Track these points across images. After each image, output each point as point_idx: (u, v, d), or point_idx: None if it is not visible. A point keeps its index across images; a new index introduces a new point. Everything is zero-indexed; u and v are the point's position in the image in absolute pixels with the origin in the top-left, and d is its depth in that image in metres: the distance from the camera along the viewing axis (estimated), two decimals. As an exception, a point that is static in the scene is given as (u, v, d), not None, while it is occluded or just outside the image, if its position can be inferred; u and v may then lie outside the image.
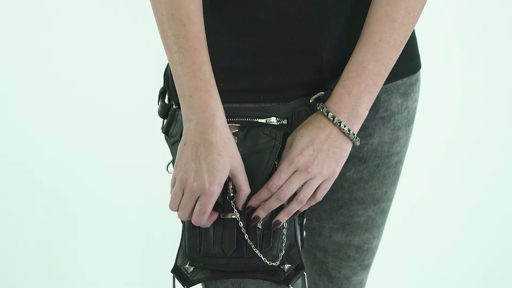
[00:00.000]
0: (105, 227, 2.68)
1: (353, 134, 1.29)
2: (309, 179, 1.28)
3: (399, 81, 1.43)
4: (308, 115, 1.33)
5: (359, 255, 1.56)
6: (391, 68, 1.31)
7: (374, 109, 1.41)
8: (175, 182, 1.29)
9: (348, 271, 1.58)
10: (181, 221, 1.42)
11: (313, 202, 1.32)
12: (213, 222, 1.29)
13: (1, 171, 2.66)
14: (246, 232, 1.29)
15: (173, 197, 1.30)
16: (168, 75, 1.45)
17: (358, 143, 1.31)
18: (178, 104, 1.40)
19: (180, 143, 1.28)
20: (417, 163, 2.19)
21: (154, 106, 1.51)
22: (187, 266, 1.33)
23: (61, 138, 2.63)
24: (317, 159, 1.27)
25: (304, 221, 1.44)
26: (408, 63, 1.44)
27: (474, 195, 2.75)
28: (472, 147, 2.72)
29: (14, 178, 2.65)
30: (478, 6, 2.64)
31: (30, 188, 2.65)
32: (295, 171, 1.28)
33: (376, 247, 1.59)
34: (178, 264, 1.34)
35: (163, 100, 1.45)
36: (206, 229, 1.30)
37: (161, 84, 1.47)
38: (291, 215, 1.30)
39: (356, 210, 1.50)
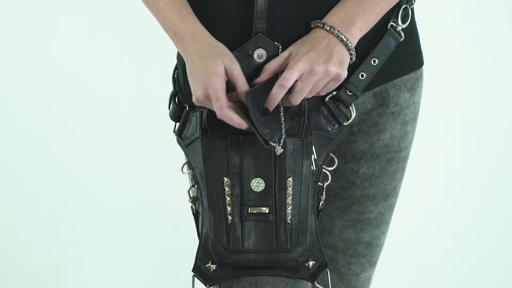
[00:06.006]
0: (113, 228, 2.66)
1: (350, 43, 1.31)
2: (317, 80, 1.29)
3: (406, 76, 1.46)
4: (324, 114, 1.38)
5: (368, 251, 1.58)
6: (389, 3, 1.36)
7: (385, 105, 1.44)
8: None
9: (357, 268, 1.59)
10: (196, 224, 1.42)
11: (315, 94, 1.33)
12: (242, 218, 1.30)
13: (14, 172, 2.64)
14: (276, 227, 1.30)
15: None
16: (178, 79, 1.46)
17: (354, 57, 1.32)
18: (191, 106, 1.42)
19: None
20: (420, 161, 2.20)
21: (165, 108, 1.52)
22: (208, 265, 1.33)
23: (70, 142, 2.61)
24: (321, 59, 1.28)
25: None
26: (413, 58, 1.48)
27: (475, 195, 2.74)
28: (476, 145, 2.72)
29: (24, 180, 2.63)
30: (477, 4, 2.67)
31: (38, 189, 2.62)
32: (301, 75, 1.28)
33: (383, 243, 1.61)
34: (198, 264, 1.34)
35: (174, 103, 1.46)
36: (234, 225, 1.30)
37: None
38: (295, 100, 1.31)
39: (367, 206, 1.51)
